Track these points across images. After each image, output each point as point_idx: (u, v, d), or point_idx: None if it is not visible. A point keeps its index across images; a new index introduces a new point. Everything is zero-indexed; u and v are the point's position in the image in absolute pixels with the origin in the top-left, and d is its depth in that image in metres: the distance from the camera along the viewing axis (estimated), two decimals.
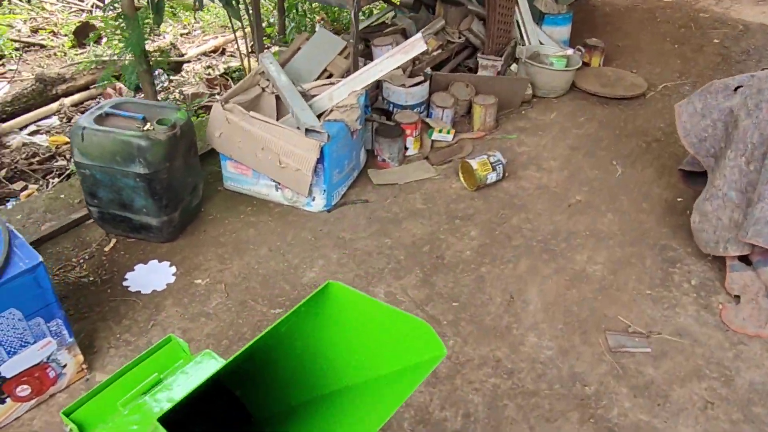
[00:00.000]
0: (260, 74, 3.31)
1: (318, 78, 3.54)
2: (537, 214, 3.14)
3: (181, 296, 2.61)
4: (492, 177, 3.23)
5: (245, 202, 3.16)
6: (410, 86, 3.58)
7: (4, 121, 4.52)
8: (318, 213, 3.08)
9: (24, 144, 4.36)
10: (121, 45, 3.25)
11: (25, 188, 3.83)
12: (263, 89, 3.29)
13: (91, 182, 2.75)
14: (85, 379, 2.26)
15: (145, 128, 2.66)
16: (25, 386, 2.10)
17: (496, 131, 3.83)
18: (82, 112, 4.71)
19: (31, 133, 4.49)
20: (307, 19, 4.59)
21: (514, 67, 4.33)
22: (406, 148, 3.48)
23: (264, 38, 5.54)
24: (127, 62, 3.36)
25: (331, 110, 3.03)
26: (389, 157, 3.37)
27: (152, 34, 3.98)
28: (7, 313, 1.92)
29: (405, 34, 4.31)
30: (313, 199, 3.05)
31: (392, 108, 3.64)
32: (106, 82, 3.29)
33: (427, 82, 3.67)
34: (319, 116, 3.06)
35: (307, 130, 2.83)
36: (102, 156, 2.63)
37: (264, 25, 5.66)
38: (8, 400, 2.07)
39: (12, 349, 1.99)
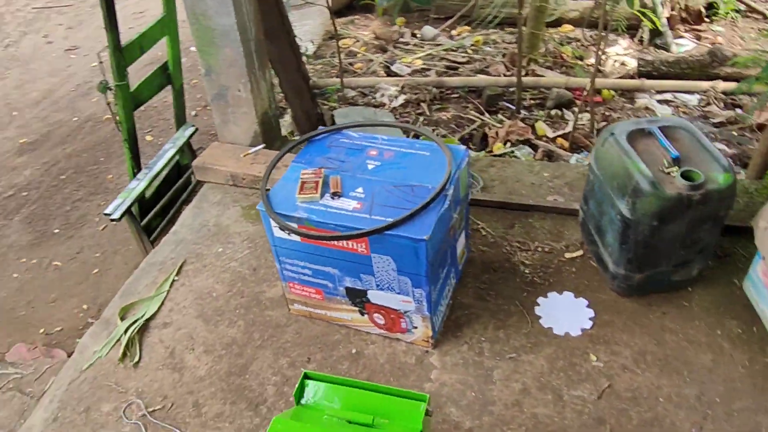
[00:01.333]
0: None
1: None
2: None
3: (557, 357, 2.20)
4: None
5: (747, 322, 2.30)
6: None
7: (651, 78, 4.39)
8: None
9: (646, 108, 4.18)
10: None
11: None
12: None
13: (589, 188, 2.46)
14: (425, 350, 2.27)
15: (667, 170, 2.12)
16: (381, 316, 2.26)
17: None
18: (725, 105, 4.15)
19: (661, 101, 4.25)
20: None
21: None
22: None
23: None
24: None
25: None
26: None
27: None
28: (385, 258, 2.03)
29: None
30: None
31: None
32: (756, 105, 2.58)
33: None
34: None
35: None
36: (605, 170, 2.28)
37: None
38: (366, 316, 2.29)
39: (380, 285, 2.13)
